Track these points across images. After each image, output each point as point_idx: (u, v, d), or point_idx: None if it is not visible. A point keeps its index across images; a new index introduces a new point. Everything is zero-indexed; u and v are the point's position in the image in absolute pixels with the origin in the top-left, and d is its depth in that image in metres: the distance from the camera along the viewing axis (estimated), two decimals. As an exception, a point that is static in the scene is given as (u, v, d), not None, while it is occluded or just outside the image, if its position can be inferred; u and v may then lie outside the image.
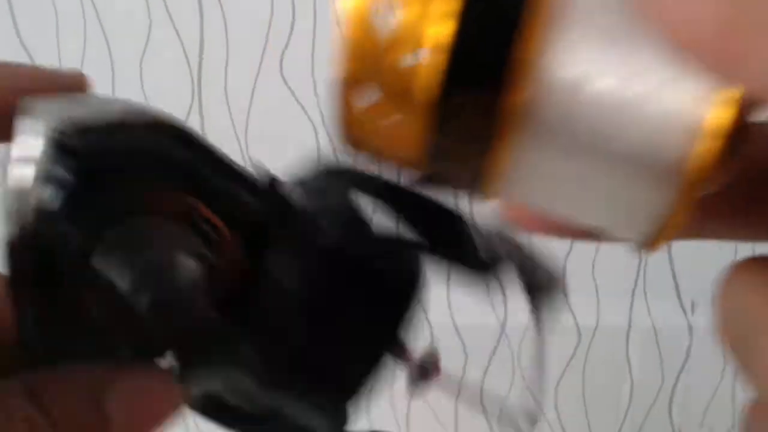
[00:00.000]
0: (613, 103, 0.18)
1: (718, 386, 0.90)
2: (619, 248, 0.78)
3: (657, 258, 0.83)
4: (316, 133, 0.81)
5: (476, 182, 0.20)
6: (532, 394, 0.79)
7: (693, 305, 0.85)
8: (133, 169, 0.22)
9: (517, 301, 0.82)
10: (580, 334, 0.88)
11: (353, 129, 0.20)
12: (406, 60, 0.18)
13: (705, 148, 0.18)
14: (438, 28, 0.17)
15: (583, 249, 0.83)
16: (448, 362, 0.87)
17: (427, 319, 0.88)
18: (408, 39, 0.18)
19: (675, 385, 0.90)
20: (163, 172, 0.22)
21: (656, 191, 0.18)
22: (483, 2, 0.17)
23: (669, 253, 0.83)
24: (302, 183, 0.28)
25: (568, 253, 0.83)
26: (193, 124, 0.81)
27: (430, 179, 0.21)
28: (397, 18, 0.18)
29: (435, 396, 0.91)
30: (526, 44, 0.17)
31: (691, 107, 0.17)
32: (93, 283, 0.21)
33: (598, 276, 0.85)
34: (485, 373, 0.92)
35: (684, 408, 0.92)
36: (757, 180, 0.21)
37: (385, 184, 0.28)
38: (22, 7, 0.82)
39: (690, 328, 0.86)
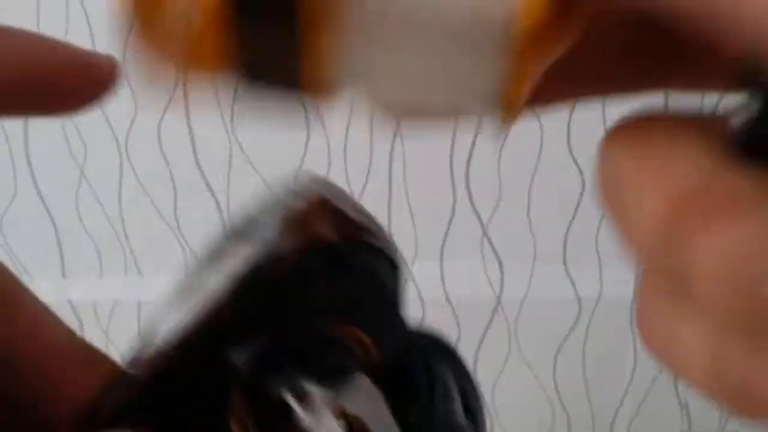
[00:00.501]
0: None
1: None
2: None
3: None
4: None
5: (294, 76, 0.19)
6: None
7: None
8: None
9: (513, 272, 0.80)
10: (580, 307, 0.86)
11: (155, 45, 0.19)
12: None
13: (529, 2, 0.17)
14: None
15: (587, 219, 0.82)
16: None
17: (418, 293, 0.86)
18: None
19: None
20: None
21: (489, 58, 0.17)
22: None
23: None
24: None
25: (570, 224, 0.81)
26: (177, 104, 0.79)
27: (250, 80, 0.19)
28: None
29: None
30: None
31: None
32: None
33: (601, 247, 0.84)
34: (478, 348, 0.90)
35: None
36: (622, 27, 0.20)
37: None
38: None
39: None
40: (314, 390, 0.24)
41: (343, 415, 0.24)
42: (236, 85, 0.19)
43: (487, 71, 0.18)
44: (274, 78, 0.19)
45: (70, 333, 0.25)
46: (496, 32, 0.17)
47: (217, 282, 0.23)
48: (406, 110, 0.20)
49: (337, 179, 0.80)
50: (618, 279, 0.85)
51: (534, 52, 0.17)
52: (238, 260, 0.23)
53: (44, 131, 0.88)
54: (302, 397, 0.23)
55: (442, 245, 0.84)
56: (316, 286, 0.25)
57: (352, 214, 0.24)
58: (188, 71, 0.19)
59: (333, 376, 0.24)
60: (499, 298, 0.86)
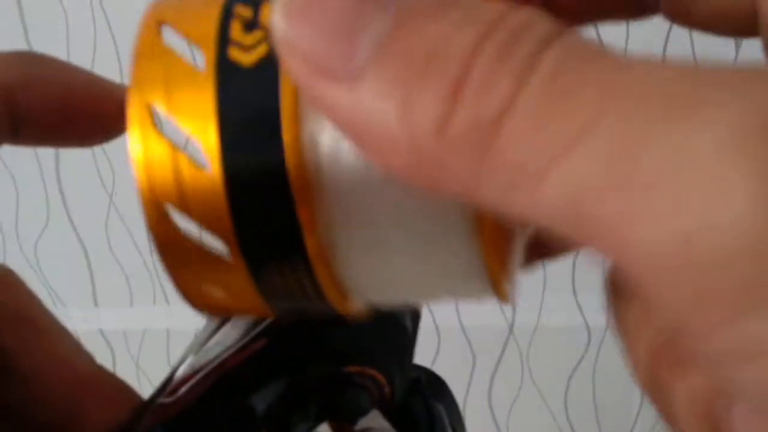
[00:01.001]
0: (374, 178, 0.18)
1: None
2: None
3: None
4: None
5: (321, 302, 0.20)
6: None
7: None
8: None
9: (525, 302, 0.81)
10: (589, 334, 0.87)
11: (197, 303, 0.21)
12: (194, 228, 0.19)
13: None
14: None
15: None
16: (457, 364, 0.87)
17: (434, 321, 0.87)
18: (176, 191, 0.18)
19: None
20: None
21: (460, 247, 0.18)
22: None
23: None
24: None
25: (578, 251, 0.82)
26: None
27: (289, 317, 0.21)
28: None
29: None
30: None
31: None
32: None
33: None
34: (493, 375, 0.91)
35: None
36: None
37: None
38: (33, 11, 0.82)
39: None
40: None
41: None
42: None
43: (464, 259, 0.19)
44: (302, 309, 0.20)
45: (91, 361, 0.26)
46: (458, 226, 0.18)
47: (237, 327, 0.25)
48: (414, 302, 0.22)
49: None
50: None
51: (499, 240, 0.19)
52: None
53: (76, 160, 0.89)
54: None
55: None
56: (337, 331, 0.26)
57: None
58: (229, 313, 0.21)
59: (349, 413, 0.25)
60: (511, 327, 0.88)
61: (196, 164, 0.18)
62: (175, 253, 0.19)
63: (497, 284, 0.20)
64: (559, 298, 0.86)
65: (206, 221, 0.18)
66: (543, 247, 0.23)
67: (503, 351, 0.89)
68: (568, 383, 0.91)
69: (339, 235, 0.18)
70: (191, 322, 0.94)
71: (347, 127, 0.15)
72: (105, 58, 0.83)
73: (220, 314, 0.22)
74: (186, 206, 0.18)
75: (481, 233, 0.18)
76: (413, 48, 0.14)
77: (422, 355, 0.93)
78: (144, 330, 0.94)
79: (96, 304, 0.96)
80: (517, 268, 0.20)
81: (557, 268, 0.84)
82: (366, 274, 0.19)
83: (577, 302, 0.86)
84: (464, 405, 0.93)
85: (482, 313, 0.87)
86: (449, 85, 0.14)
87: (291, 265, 0.18)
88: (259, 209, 0.18)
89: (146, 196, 0.19)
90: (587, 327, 0.87)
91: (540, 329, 0.87)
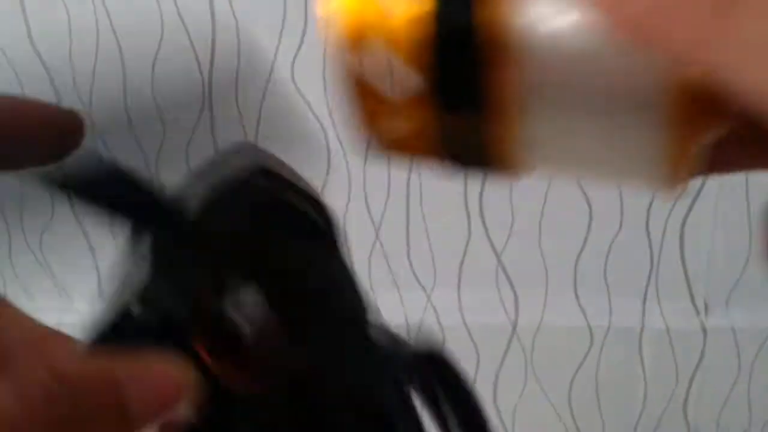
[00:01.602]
0: (585, 45, 0.18)
1: (732, 387, 0.89)
2: (633, 249, 0.77)
3: (670, 258, 0.82)
4: (327, 138, 0.80)
5: (488, 160, 0.21)
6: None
7: (706, 307, 0.84)
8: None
9: (527, 301, 0.81)
10: (592, 335, 0.87)
11: (376, 138, 0.22)
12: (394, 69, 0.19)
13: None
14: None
15: (595, 249, 0.83)
16: (461, 363, 0.86)
17: (437, 319, 0.87)
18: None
19: (689, 387, 0.90)
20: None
21: (655, 129, 0.18)
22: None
23: (681, 253, 0.82)
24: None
25: (579, 254, 0.82)
26: (204, 128, 0.81)
27: (453, 163, 0.22)
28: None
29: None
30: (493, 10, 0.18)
31: None
32: None
33: (610, 278, 0.84)
34: (497, 374, 0.91)
35: (699, 409, 0.91)
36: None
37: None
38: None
39: (704, 330, 0.85)
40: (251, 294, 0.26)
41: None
42: (439, 165, 0.22)
43: (647, 143, 0.19)
44: (470, 161, 0.21)
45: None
46: (654, 104, 0.18)
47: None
48: (578, 177, 0.22)
49: (357, 210, 0.83)
50: (626, 307, 0.86)
51: (691, 130, 0.19)
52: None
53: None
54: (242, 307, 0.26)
55: (459, 273, 0.86)
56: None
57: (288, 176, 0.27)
58: (398, 154, 0.22)
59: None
60: (514, 326, 0.88)
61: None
62: (370, 86, 0.20)
63: (672, 177, 0.20)
64: (562, 298, 0.86)
65: (409, 55, 0.19)
66: (723, 157, 0.22)
67: (507, 350, 0.89)
68: (571, 382, 0.91)
69: (533, 95, 0.19)
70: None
71: None
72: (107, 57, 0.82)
73: (395, 151, 0.22)
74: (392, 38, 0.19)
75: (676, 118, 0.18)
76: None
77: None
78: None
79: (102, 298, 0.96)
80: (693, 170, 0.20)
81: (560, 268, 0.86)
82: (544, 140, 0.20)
83: (579, 303, 0.86)
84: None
85: (485, 311, 0.87)
86: None
87: (478, 112, 0.19)
88: (465, 51, 0.18)
89: (353, 25, 0.19)
90: (590, 328, 0.87)
91: (543, 329, 0.87)
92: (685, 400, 0.91)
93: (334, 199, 0.82)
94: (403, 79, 0.19)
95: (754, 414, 0.90)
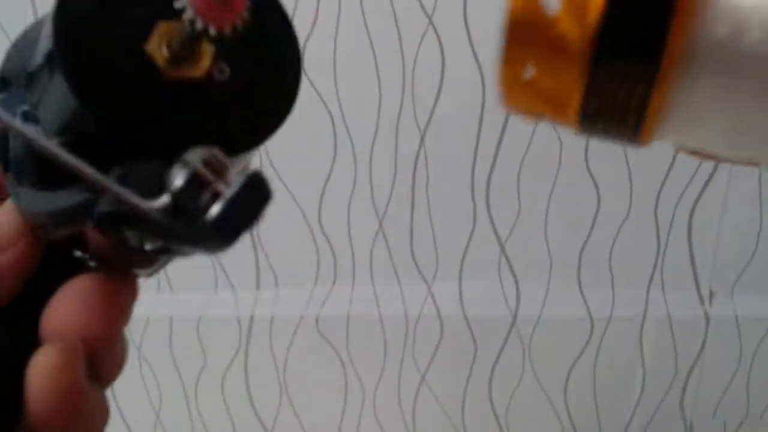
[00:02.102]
0: None
1: (732, 379, 0.89)
2: (640, 236, 0.77)
3: (677, 246, 0.83)
4: (334, 127, 0.80)
5: (633, 127, 0.20)
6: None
7: (711, 295, 0.85)
8: None
9: (529, 292, 0.81)
10: (592, 325, 0.87)
11: (514, 98, 0.21)
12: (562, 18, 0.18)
13: None
14: None
15: (602, 237, 0.83)
16: (458, 354, 0.87)
17: (437, 311, 0.87)
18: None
19: (688, 377, 0.90)
20: None
21: None
22: None
23: (689, 241, 0.82)
24: None
25: (585, 242, 0.82)
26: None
27: (587, 130, 0.21)
28: None
29: (443, 387, 0.91)
30: None
31: None
32: None
33: (615, 266, 0.84)
34: (494, 365, 0.91)
35: (696, 401, 0.91)
36: None
37: None
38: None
39: (707, 319, 0.86)
40: None
41: None
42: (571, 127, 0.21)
43: None
44: (612, 124, 0.20)
45: None
46: None
47: None
48: (709, 149, 0.21)
49: (362, 200, 0.82)
50: (629, 298, 0.87)
51: None
52: None
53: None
54: None
55: (461, 264, 0.86)
56: None
57: None
58: (529, 102, 0.21)
59: None
60: (514, 317, 0.88)
61: None
62: (528, 27, 0.19)
63: None
64: (564, 289, 0.86)
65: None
66: None
67: (505, 341, 0.89)
68: (568, 375, 0.92)
69: (711, 54, 0.18)
70: (194, 310, 0.94)
71: None
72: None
73: (528, 104, 0.21)
74: None
75: None
76: None
77: (424, 344, 0.93)
78: (147, 318, 0.93)
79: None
80: None
81: (562, 260, 0.86)
82: (700, 105, 0.19)
83: (582, 294, 0.86)
84: (464, 394, 0.93)
85: (486, 303, 0.87)
86: None
87: (636, 72, 0.18)
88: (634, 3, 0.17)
89: None
90: (591, 319, 0.87)
91: (543, 320, 0.87)
92: (683, 391, 0.91)
93: (339, 189, 0.82)
94: (569, 24, 0.18)
95: (751, 405, 0.91)
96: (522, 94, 0.20)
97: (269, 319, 0.90)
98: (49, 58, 0.24)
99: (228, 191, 0.23)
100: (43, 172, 0.25)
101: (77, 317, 0.26)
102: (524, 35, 0.19)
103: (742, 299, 0.84)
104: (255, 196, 0.23)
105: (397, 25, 0.76)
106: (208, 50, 0.25)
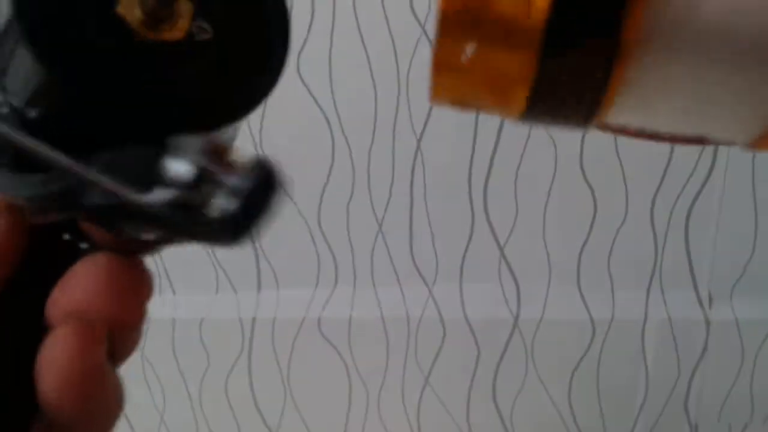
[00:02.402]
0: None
1: (735, 382, 0.89)
2: (637, 240, 0.76)
3: (674, 250, 0.82)
4: (332, 132, 0.80)
5: (588, 110, 0.19)
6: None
7: (710, 298, 0.84)
8: None
9: (530, 294, 0.81)
10: (594, 328, 0.87)
11: (446, 85, 0.19)
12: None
13: None
14: None
15: (600, 241, 0.82)
16: (461, 356, 0.87)
17: (439, 314, 0.87)
18: None
19: (691, 380, 0.89)
20: None
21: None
22: None
23: (686, 244, 0.82)
24: None
25: (584, 246, 0.82)
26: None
27: (534, 115, 0.20)
28: None
29: (447, 389, 0.91)
30: None
31: None
32: None
33: (614, 269, 0.84)
34: (498, 367, 0.91)
35: (700, 403, 0.91)
36: None
37: None
38: None
39: (707, 322, 0.85)
40: None
41: None
42: (518, 117, 0.20)
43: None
44: (565, 106, 0.19)
45: None
46: None
47: None
48: (664, 125, 0.20)
49: (360, 204, 0.82)
50: (629, 301, 0.86)
51: None
52: None
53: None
54: None
55: (461, 267, 0.86)
56: None
57: None
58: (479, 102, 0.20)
59: None
60: (516, 320, 0.88)
61: None
62: (468, 3, 0.17)
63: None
64: (564, 292, 0.85)
65: None
66: None
67: (508, 344, 0.89)
68: (572, 376, 0.91)
69: (662, 35, 0.17)
70: (196, 311, 0.94)
71: None
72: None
73: (462, 91, 0.20)
74: None
75: None
76: None
77: (427, 347, 0.93)
78: (149, 319, 0.93)
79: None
80: None
81: (562, 264, 0.86)
82: (662, 88, 0.18)
83: (582, 297, 0.85)
84: (469, 395, 0.93)
85: (487, 306, 0.87)
86: None
87: (596, 49, 0.17)
88: None
89: None
90: (592, 321, 0.87)
91: (545, 322, 0.87)
92: (687, 393, 0.91)
93: (338, 193, 0.82)
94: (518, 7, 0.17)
95: (756, 408, 0.90)
96: (455, 80, 0.19)
97: (271, 321, 0.91)
98: (11, 23, 0.22)
99: (233, 180, 0.21)
100: (20, 154, 0.23)
101: (99, 296, 0.24)
102: (464, 13, 0.18)
103: (742, 302, 0.84)
104: (268, 187, 0.22)
105: (390, 33, 0.76)
106: (186, 8, 0.23)
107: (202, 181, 0.21)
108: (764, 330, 0.85)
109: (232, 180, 0.21)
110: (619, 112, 0.19)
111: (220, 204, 0.21)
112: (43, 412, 0.23)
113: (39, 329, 0.24)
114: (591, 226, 0.82)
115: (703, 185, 0.78)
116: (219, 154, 0.22)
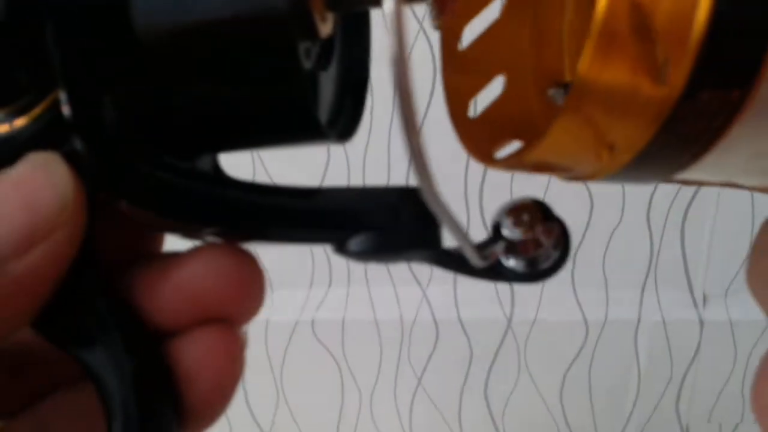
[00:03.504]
0: None
1: (726, 382, 0.89)
2: (633, 239, 0.77)
3: (670, 249, 0.83)
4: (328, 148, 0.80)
5: (677, 169, 0.18)
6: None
7: (705, 298, 0.85)
8: None
9: (523, 295, 0.81)
10: (587, 328, 0.87)
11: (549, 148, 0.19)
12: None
13: None
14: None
15: (596, 240, 0.83)
16: (454, 358, 0.87)
17: (432, 315, 0.87)
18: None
19: (683, 381, 0.90)
20: None
21: None
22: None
23: (682, 244, 0.82)
24: None
25: (579, 245, 0.82)
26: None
27: (622, 178, 0.20)
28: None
29: (439, 390, 0.91)
30: None
31: None
32: None
33: (608, 269, 0.84)
34: (490, 368, 0.91)
35: (692, 404, 0.91)
36: None
37: None
38: None
39: (701, 322, 0.85)
40: None
41: None
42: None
43: None
44: (655, 173, 0.19)
45: None
46: None
47: None
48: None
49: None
50: (623, 301, 0.86)
51: None
52: None
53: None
54: None
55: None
56: None
57: None
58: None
59: None
60: (509, 321, 0.88)
61: None
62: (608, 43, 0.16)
63: None
64: (558, 292, 0.86)
65: (672, 22, 0.16)
66: None
67: (500, 345, 0.89)
68: (564, 378, 0.92)
69: None
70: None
71: None
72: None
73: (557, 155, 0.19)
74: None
75: None
76: None
77: (420, 348, 0.93)
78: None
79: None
80: None
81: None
82: (740, 162, 0.18)
83: (576, 297, 0.86)
84: (461, 397, 0.93)
85: (481, 307, 0.87)
86: None
87: (726, 101, 0.16)
88: (744, 22, 0.16)
89: None
90: (585, 322, 0.87)
91: (538, 323, 0.87)
92: (678, 394, 0.91)
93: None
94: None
95: (747, 408, 0.91)
96: (556, 144, 0.18)
97: (264, 322, 0.91)
98: None
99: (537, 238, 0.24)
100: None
101: (235, 298, 0.24)
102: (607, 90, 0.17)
103: (736, 302, 0.84)
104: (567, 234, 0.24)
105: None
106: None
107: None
108: (758, 330, 0.85)
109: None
110: (701, 170, 0.19)
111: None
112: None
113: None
114: (587, 226, 0.82)
115: (699, 186, 0.79)
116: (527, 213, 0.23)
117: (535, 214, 0.24)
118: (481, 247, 0.24)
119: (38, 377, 0.25)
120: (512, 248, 0.24)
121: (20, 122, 0.21)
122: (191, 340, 0.23)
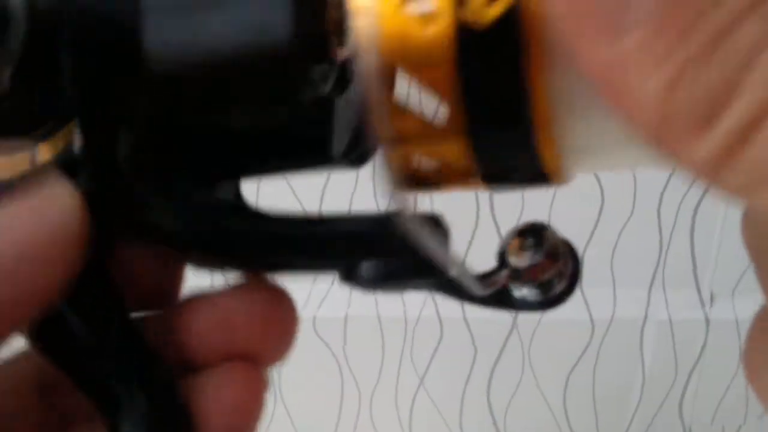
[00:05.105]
0: None
1: (730, 384, 0.89)
2: (642, 236, 0.77)
3: (679, 247, 0.83)
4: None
5: (542, 179, 0.20)
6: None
7: (712, 297, 0.85)
8: None
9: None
10: (593, 327, 0.87)
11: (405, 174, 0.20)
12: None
13: None
14: None
15: (605, 237, 0.83)
16: (457, 356, 0.86)
17: (437, 312, 0.87)
18: None
19: (687, 382, 0.90)
20: None
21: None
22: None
23: (691, 242, 0.82)
24: None
25: (588, 243, 0.82)
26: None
27: (493, 182, 0.21)
28: None
29: (441, 390, 0.91)
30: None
31: None
32: None
33: (617, 267, 0.84)
34: (493, 368, 0.91)
35: (695, 405, 0.91)
36: None
37: None
38: None
39: (707, 322, 0.85)
40: None
41: None
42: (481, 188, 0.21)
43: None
44: (515, 178, 0.20)
45: None
46: None
47: None
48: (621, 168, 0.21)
49: (363, 201, 0.82)
50: (630, 300, 0.86)
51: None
52: None
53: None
54: None
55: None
56: None
57: None
58: (440, 188, 0.21)
59: None
60: (515, 320, 0.88)
61: (425, 17, 0.17)
62: (396, 121, 0.18)
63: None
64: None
65: (432, 81, 0.17)
66: None
67: (505, 344, 0.89)
68: (568, 377, 0.91)
69: (574, 96, 0.18)
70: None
71: (600, 77, 0.15)
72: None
73: (424, 186, 0.21)
74: (413, 66, 0.17)
75: None
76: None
77: (424, 345, 0.93)
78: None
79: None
80: None
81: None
82: (589, 140, 0.19)
83: (583, 295, 0.86)
84: (462, 397, 0.93)
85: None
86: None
87: (521, 123, 0.18)
88: (490, 71, 0.17)
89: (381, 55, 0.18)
90: (591, 320, 0.87)
91: (544, 322, 0.87)
92: (682, 395, 0.91)
93: (340, 190, 0.82)
94: (432, 108, 0.18)
95: (750, 410, 0.91)
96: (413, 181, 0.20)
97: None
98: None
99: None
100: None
101: (265, 339, 0.24)
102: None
103: (743, 301, 0.84)
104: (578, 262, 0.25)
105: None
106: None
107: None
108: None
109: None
110: (575, 168, 0.20)
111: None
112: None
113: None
114: (596, 223, 0.82)
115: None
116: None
117: (539, 237, 0.24)
118: (486, 276, 0.25)
119: (66, 404, 0.24)
120: (519, 275, 0.24)
121: (44, 152, 0.22)
122: (214, 375, 0.23)
